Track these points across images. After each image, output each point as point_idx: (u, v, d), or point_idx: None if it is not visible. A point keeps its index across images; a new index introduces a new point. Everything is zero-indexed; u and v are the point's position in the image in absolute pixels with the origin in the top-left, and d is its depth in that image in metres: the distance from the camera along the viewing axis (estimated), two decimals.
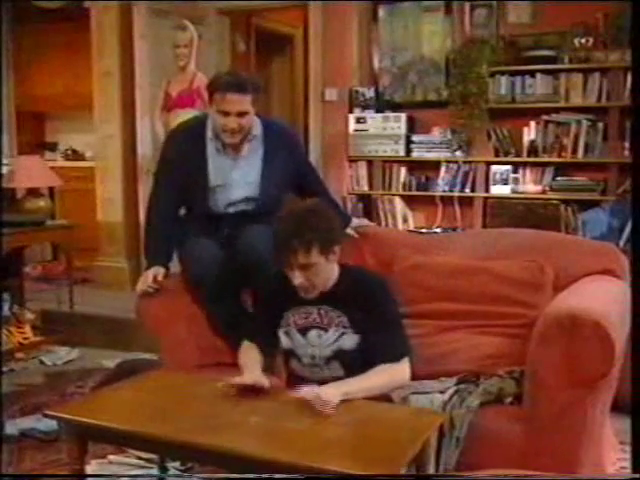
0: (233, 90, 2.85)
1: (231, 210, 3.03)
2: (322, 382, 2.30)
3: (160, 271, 2.97)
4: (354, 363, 2.34)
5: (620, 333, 2.20)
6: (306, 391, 2.12)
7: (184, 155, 3.03)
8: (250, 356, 2.48)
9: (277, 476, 1.87)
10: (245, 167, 3.03)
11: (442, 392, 2.40)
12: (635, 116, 2.22)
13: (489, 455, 2.29)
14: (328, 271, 2.36)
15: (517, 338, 2.55)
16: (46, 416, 2.26)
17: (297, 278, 2.30)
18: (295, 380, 2.44)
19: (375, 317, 2.35)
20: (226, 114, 2.88)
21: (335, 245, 2.34)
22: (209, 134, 3.01)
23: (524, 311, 2.61)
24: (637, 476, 1.91)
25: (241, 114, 2.89)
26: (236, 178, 3.02)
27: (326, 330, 2.37)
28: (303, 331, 2.40)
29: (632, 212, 2.13)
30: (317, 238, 2.26)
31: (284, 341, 2.45)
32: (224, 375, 2.42)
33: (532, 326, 2.42)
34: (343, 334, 2.36)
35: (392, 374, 2.32)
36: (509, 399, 2.44)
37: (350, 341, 2.36)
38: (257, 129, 3.02)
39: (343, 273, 2.42)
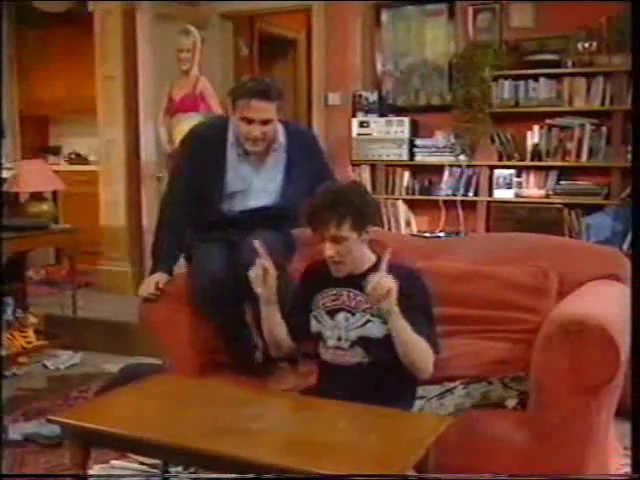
0: (258, 97, 2.79)
1: (245, 215, 2.97)
2: (344, 367, 2.34)
3: (163, 278, 2.95)
4: (379, 351, 2.32)
5: (625, 338, 2.19)
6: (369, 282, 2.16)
7: (204, 157, 2.95)
8: None
9: (277, 477, 1.86)
10: (267, 175, 2.97)
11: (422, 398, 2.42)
12: (635, 120, 2.21)
13: (494, 459, 2.29)
14: (360, 251, 2.37)
15: (522, 343, 2.54)
16: (49, 421, 2.25)
17: (328, 249, 2.31)
18: (321, 365, 2.45)
19: (407, 308, 2.31)
20: (250, 121, 2.81)
21: (368, 224, 2.35)
22: (230, 139, 2.94)
23: (528, 316, 2.60)
24: (637, 476, 1.90)
25: (265, 122, 2.82)
26: (257, 186, 2.96)
27: (353, 314, 2.36)
28: (332, 313, 2.40)
29: (632, 217, 2.12)
30: (350, 212, 2.28)
31: (314, 325, 2.44)
32: (227, 380, 2.42)
33: (537, 331, 2.41)
34: (369, 321, 2.34)
35: (428, 354, 2.30)
36: (512, 404, 2.44)
37: (376, 329, 2.33)
38: (281, 137, 2.96)
39: (379, 262, 2.39)
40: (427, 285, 2.44)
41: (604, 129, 4.93)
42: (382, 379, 2.26)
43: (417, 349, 2.27)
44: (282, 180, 2.98)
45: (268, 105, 2.81)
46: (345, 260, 2.34)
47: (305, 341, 2.51)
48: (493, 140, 5.24)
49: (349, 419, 2.11)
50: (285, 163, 2.98)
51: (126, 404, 2.33)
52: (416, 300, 2.36)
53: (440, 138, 5.47)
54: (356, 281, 2.36)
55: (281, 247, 2.92)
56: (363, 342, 2.34)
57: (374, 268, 2.37)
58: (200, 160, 2.97)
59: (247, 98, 2.80)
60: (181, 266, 3.13)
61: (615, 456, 2.63)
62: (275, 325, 2.48)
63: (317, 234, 2.33)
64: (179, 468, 2.80)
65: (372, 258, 2.42)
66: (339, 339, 2.37)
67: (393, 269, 2.41)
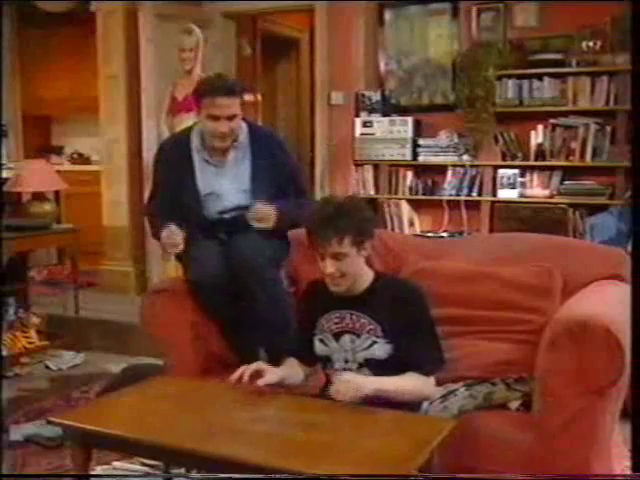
0: (223, 94, 2.86)
1: (225, 216, 3.02)
2: None
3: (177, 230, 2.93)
4: (386, 372, 2.32)
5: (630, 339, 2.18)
6: (340, 379, 2.16)
7: (171, 169, 3.04)
8: (286, 363, 2.50)
9: (277, 476, 1.85)
10: (234, 175, 3.01)
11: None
12: (635, 120, 2.19)
13: (497, 461, 2.28)
14: (359, 266, 2.35)
15: (526, 344, 2.53)
16: (50, 423, 2.24)
17: (328, 267, 2.30)
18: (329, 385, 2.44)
19: (409, 325, 2.33)
20: (216, 118, 2.88)
21: (367, 238, 2.34)
22: (194, 146, 3.02)
23: (533, 317, 2.58)
24: (637, 476, 1.89)
25: (231, 117, 2.90)
26: (226, 187, 3.01)
27: (358, 336, 2.36)
28: (337, 336, 2.39)
29: (632, 218, 2.10)
30: (350, 227, 2.27)
31: (320, 349, 2.43)
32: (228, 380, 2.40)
33: (541, 332, 2.40)
34: (374, 343, 2.33)
35: (421, 385, 2.32)
36: (515, 405, 2.44)
37: (382, 350, 2.33)
38: (243, 135, 3.02)
39: (377, 279, 2.41)
40: (427, 300, 2.42)
41: (608, 129, 4.92)
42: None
43: (412, 393, 2.30)
44: (251, 178, 3.01)
45: (233, 101, 2.89)
46: (346, 274, 2.32)
47: (313, 364, 2.51)
48: (497, 140, 5.23)
49: (352, 421, 2.09)
50: (250, 160, 3.02)
51: (127, 405, 2.32)
52: (417, 317, 2.36)
53: (443, 138, 5.45)
54: (357, 302, 2.37)
55: (270, 245, 2.94)
56: (371, 363, 2.34)
57: (372, 286, 2.39)
58: (169, 172, 3.06)
59: (212, 96, 2.87)
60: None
61: (620, 458, 2.62)
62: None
63: (317, 251, 2.32)
64: (181, 470, 2.79)
65: (370, 275, 2.41)
66: (346, 361, 2.37)
67: (393, 286, 2.42)
